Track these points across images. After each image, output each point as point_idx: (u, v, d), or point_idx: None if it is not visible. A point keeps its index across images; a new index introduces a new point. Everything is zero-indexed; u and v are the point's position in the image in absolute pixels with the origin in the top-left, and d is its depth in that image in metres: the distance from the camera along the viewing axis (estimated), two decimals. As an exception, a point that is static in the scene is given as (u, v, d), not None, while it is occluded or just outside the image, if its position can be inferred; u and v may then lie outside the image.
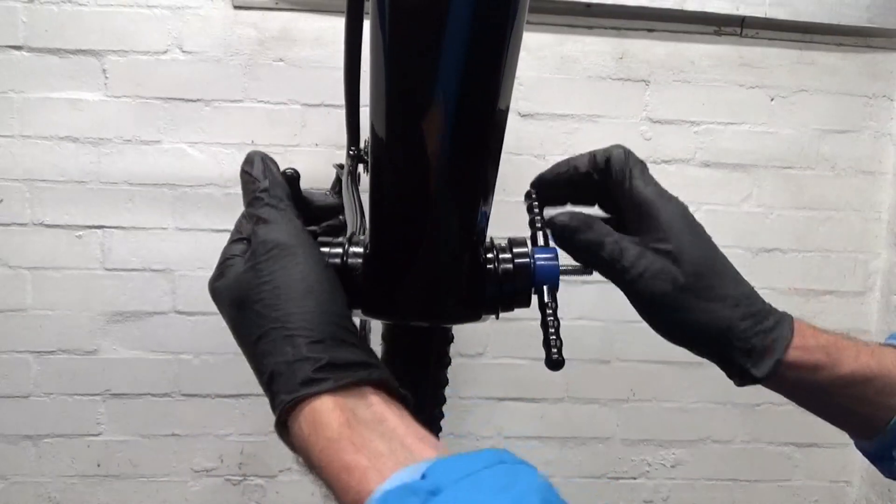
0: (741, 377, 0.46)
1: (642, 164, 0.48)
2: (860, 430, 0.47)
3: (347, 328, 0.38)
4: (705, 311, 0.44)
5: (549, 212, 0.50)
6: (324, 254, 0.41)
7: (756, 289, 0.47)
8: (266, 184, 0.42)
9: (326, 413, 0.34)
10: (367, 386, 0.36)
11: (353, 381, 0.35)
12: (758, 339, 0.44)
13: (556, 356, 0.44)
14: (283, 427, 0.36)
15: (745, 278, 0.47)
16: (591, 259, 0.47)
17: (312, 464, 0.34)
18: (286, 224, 0.40)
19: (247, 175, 0.43)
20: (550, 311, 0.46)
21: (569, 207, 0.52)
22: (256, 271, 0.38)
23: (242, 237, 0.42)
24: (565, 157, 0.51)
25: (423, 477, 0.30)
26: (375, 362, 0.38)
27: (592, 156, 0.49)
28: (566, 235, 0.47)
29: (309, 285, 0.38)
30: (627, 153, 0.48)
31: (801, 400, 0.47)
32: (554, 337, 0.45)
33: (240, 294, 0.39)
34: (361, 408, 0.35)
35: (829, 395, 0.45)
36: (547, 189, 0.51)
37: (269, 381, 0.36)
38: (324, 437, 0.33)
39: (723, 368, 0.47)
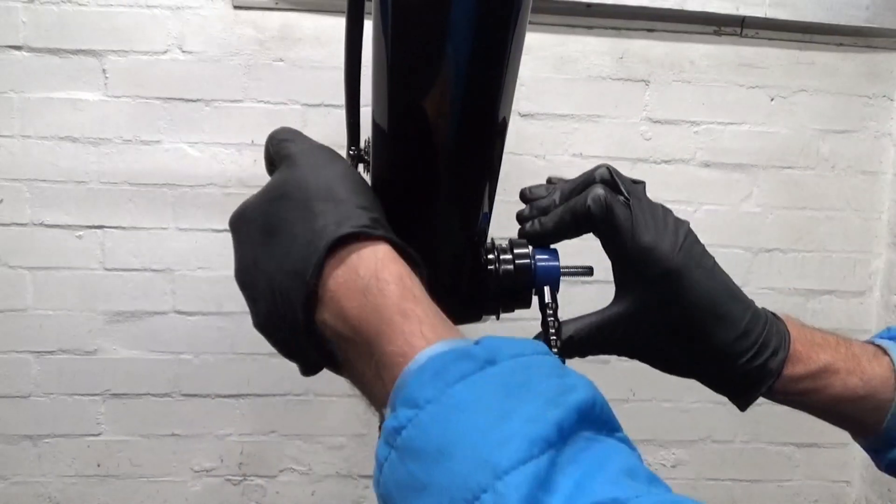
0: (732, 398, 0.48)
1: (629, 206, 0.44)
2: (853, 432, 0.49)
3: (384, 219, 0.37)
4: (704, 352, 0.45)
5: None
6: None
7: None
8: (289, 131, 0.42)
9: (388, 261, 0.33)
10: (412, 266, 0.35)
11: (402, 246, 0.35)
12: (748, 376, 0.45)
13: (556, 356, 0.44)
14: (319, 273, 0.33)
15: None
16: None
17: (361, 304, 0.32)
18: (310, 140, 0.40)
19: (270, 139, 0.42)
20: (551, 312, 0.46)
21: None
22: (293, 167, 0.38)
23: None
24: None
25: (477, 345, 0.30)
26: None
27: (574, 220, 0.45)
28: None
29: (344, 173, 0.37)
30: (606, 206, 0.43)
31: (794, 407, 0.48)
32: (554, 338, 0.45)
33: (275, 190, 0.37)
34: (415, 277, 0.34)
35: (819, 410, 0.47)
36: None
37: (319, 236, 0.34)
38: (384, 280, 0.32)
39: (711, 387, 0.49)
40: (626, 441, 0.29)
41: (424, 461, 0.27)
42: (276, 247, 0.36)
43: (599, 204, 0.43)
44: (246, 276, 0.38)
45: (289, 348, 0.37)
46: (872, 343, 0.48)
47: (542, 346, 0.32)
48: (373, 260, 0.33)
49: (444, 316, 0.33)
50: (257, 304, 0.37)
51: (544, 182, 0.51)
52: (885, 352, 0.47)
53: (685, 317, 0.44)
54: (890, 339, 0.48)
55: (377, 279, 0.32)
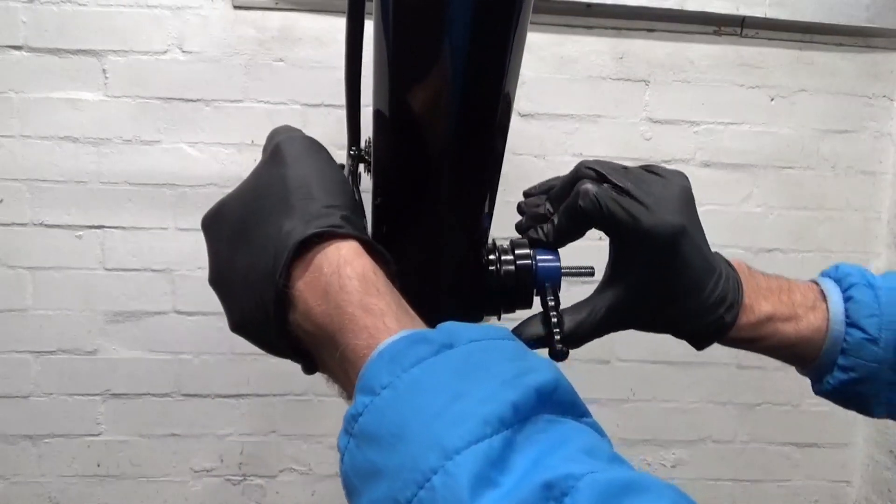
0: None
1: (622, 191, 0.44)
2: (798, 363, 0.51)
3: (362, 217, 0.38)
4: (674, 313, 0.46)
5: None
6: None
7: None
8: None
9: (353, 257, 0.33)
10: (379, 262, 0.35)
11: (370, 243, 0.35)
12: (706, 327, 0.47)
13: (559, 347, 0.45)
14: (287, 275, 0.34)
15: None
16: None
17: (324, 302, 0.32)
18: (296, 135, 0.40)
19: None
20: (554, 313, 0.46)
21: None
22: (272, 163, 0.38)
23: None
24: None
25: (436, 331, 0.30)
26: None
27: (572, 222, 0.45)
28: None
29: (322, 169, 0.37)
30: (597, 200, 0.43)
31: (738, 348, 0.51)
32: (558, 336, 0.45)
33: (252, 185, 0.38)
34: (380, 271, 0.34)
35: (759, 351, 0.50)
36: None
37: (287, 237, 0.34)
38: (346, 276, 0.32)
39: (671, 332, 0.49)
40: (594, 426, 0.29)
41: (380, 446, 0.26)
42: (249, 246, 0.36)
43: (590, 200, 0.44)
44: (221, 277, 0.38)
45: (269, 348, 0.37)
46: (817, 284, 0.50)
47: (504, 330, 0.31)
48: (336, 257, 0.33)
49: (409, 309, 0.34)
50: (232, 305, 0.37)
51: (541, 181, 0.52)
52: (825, 297, 0.49)
53: (673, 291, 0.45)
54: (836, 279, 0.50)
55: (339, 276, 0.33)
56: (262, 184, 0.38)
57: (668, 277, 0.44)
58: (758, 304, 0.48)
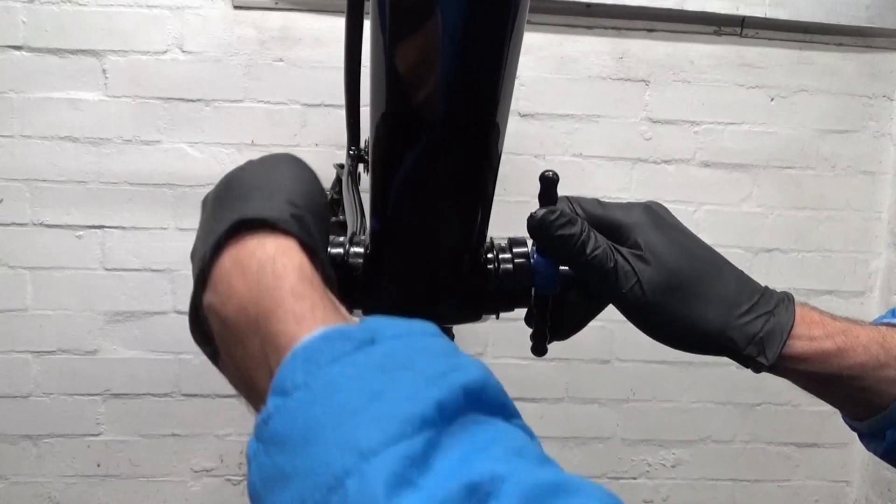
0: (753, 365, 0.44)
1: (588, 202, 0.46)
2: (858, 412, 0.45)
3: (325, 229, 0.38)
4: (691, 310, 0.42)
5: None
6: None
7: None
8: None
9: (291, 251, 0.32)
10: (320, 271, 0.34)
11: (314, 249, 0.33)
12: (754, 326, 0.42)
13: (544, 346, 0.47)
14: (216, 253, 0.32)
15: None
16: (572, 256, 0.43)
17: (253, 284, 0.31)
18: (295, 156, 0.41)
19: None
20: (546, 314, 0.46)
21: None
22: (262, 161, 0.40)
23: None
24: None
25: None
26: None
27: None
28: (545, 228, 0.43)
29: (301, 176, 0.38)
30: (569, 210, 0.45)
31: (807, 386, 0.45)
32: (548, 337, 0.47)
33: (238, 172, 0.39)
34: (317, 275, 0.33)
35: (837, 382, 0.43)
36: None
37: (230, 219, 0.33)
38: (280, 263, 0.31)
39: (734, 360, 0.45)
40: (523, 428, 0.27)
41: (290, 451, 0.25)
42: (210, 228, 0.35)
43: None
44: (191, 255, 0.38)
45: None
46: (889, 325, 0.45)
47: (431, 326, 0.29)
48: (274, 246, 0.32)
49: (342, 308, 0.32)
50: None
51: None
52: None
53: (664, 271, 0.43)
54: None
55: (274, 262, 0.31)
56: (241, 173, 0.38)
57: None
58: (828, 322, 0.43)
